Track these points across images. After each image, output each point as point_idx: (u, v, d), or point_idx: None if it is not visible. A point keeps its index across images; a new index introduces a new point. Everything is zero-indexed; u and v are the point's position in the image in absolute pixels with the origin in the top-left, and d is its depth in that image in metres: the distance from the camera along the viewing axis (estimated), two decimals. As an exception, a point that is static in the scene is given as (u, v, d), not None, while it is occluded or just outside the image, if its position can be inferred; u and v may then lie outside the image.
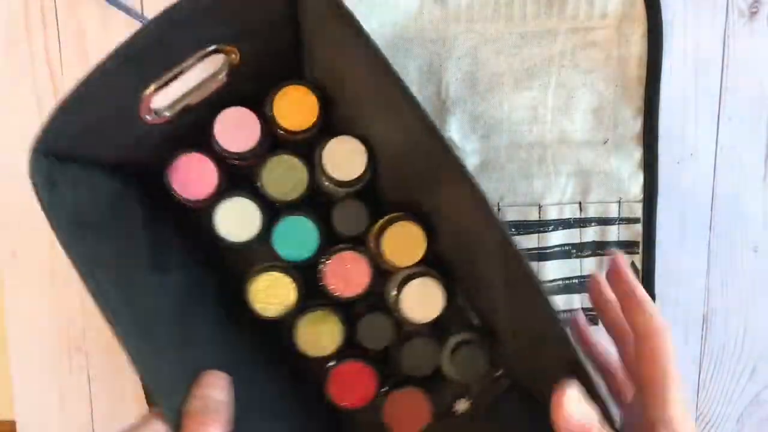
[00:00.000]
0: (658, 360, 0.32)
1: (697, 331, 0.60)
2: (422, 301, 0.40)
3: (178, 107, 0.39)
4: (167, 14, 0.32)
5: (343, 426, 0.45)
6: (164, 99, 0.39)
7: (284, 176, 0.42)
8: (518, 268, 0.31)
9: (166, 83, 0.37)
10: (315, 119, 0.41)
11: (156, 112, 0.38)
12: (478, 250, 0.36)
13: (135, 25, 0.55)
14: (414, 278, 0.40)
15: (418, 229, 0.41)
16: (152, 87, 0.36)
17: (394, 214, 0.41)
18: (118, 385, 0.60)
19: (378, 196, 0.43)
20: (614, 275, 0.37)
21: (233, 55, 0.38)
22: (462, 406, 0.45)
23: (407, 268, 0.41)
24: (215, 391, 0.31)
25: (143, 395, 0.58)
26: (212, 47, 0.36)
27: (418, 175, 0.37)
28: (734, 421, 0.60)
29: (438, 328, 0.43)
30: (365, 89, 0.36)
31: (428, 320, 0.41)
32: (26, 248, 0.57)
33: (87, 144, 0.34)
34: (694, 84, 0.56)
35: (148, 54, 0.33)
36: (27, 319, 0.58)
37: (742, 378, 0.59)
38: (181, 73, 0.37)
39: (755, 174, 0.56)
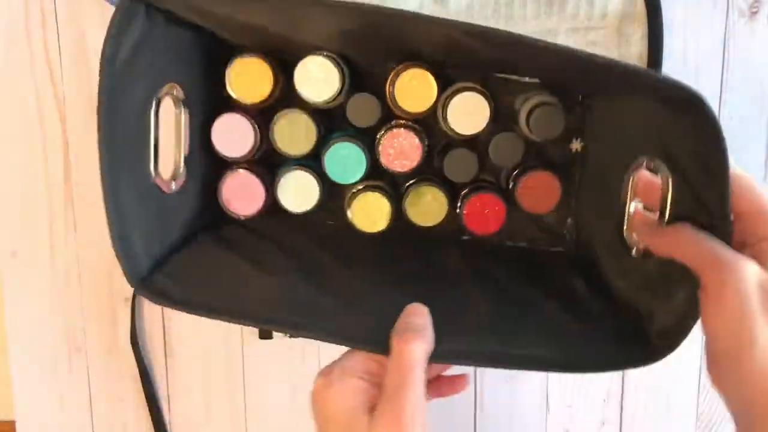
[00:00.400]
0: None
1: (698, 331, 0.59)
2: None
3: (181, 168, 0.42)
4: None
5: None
6: (167, 166, 0.42)
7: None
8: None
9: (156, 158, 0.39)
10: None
11: (173, 178, 0.42)
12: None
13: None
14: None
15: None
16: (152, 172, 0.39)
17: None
18: (118, 386, 0.60)
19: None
20: None
21: (175, 92, 0.39)
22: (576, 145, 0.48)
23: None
24: (415, 318, 0.36)
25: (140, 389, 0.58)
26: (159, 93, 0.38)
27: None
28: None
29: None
30: None
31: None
32: (26, 248, 0.57)
33: None
34: (695, 84, 0.56)
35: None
36: (27, 320, 0.58)
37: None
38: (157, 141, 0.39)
39: (756, 174, 0.56)
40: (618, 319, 0.40)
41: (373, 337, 0.35)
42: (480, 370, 0.59)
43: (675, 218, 0.35)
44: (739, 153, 0.56)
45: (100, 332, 0.58)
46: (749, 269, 0.30)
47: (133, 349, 0.57)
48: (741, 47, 0.54)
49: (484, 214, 0.46)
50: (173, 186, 0.41)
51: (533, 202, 0.46)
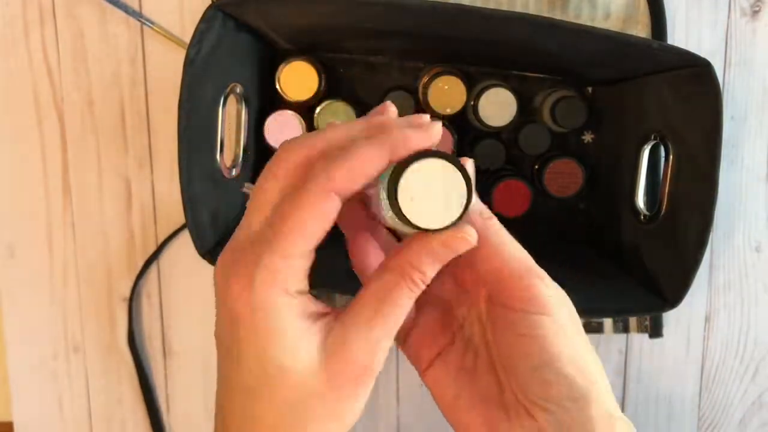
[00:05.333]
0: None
1: (699, 331, 0.60)
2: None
3: (240, 157, 0.50)
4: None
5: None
6: (228, 156, 0.50)
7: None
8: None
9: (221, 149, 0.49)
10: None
11: (233, 166, 0.50)
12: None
13: (134, 24, 0.55)
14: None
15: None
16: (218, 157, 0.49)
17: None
18: (117, 386, 0.60)
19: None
20: None
21: (237, 90, 0.49)
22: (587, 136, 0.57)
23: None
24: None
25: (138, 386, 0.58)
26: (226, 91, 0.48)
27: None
28: (736, 422, 0.61)
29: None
30: None
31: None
32: (24, 247, 0.57)
33: None
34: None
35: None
36: (25, 320, 0.59)
37: (744, 379, 0.60)
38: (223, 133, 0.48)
39: (757, 173, 0.56)
40: (631, 276, 0.50)
41: None
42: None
43: (674, 187, 0.44)
44: (740, 152, 0.56)
45: (99, 332, 0.59)
46: None
47: (130, 349, 0.58)
48: (743, 46, 0.55)
49: (512, 198, 0.53)
50: (233, 173, 0.49)
51: (559, 186, 0.54)
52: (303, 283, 0.27)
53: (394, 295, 0.27)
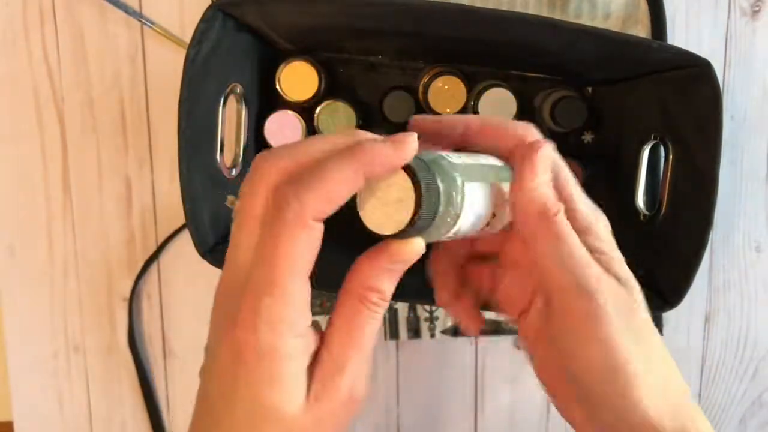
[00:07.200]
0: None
1: (699, 331, 0.60)
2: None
3: (240, 157, 0.50)
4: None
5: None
6: (228, 155, 0.50)
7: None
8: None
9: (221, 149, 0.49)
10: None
11: (233, 166, 0.50)
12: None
13: (134, 24, 0.55)
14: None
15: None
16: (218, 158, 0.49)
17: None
18: (117, 386, 0.60)
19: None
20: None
21: (237, 89, 0.49)
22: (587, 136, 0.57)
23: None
24: None
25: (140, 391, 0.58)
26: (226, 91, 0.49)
27: None
28: (737, 422, 0.61)
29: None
30: None
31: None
32: (24, 246, 0.58)
33: None
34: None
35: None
36: (25, 320, 0.59)
37: (744, 379, 0.60)
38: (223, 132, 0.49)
39: (757, 173, 0.56)
40: None
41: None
42: (480, 372, 0.59)
43: (673, 187, 0.45)
44: (741, 152, 0.56)
45: (99, 332, 0.59)
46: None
47: (130, 349, 0.58)
48: (743, 46, 0.55)
49: None
50: (233, 172, 0.50)
51: None
52: (307, 316, 0.28)
53: (359, 322, 0.28)
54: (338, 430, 0.29)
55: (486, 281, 0.35)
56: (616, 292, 0.30)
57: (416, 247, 0.28)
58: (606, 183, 0.56)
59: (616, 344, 0.29)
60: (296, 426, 0.27)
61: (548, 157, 0.31)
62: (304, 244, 0.26)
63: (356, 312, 0.28)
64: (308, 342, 0.28)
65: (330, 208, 0.26)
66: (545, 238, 0.30)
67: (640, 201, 0.50)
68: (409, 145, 0.27)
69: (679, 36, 0.58)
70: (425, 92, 0.52)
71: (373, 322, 0.28)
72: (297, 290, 0.26)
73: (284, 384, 0.27)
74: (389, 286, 0.28)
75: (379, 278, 0.28)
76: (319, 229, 0.26)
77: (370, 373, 0.29)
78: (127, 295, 0.61)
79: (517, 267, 0.33)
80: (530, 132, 0.32)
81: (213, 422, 0.29)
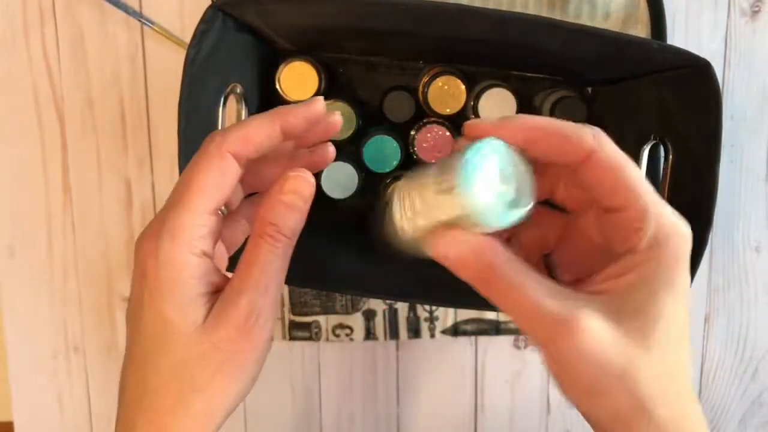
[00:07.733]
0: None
1: (698, 331, 0.60)
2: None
3: None
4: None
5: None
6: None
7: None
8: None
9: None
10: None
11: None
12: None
13: (134, 24, 0.56)
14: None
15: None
16: None
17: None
18: (117, 386, 0.60)
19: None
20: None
21: (237, 89, 0.49)
22: None
23: None
24: None
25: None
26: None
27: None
28: (737, 422, 0.61)
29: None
30: None
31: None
32: (24, 247, 0.58)
33: None
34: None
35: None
36: (25, 319, 0.59)
37: (744, 379, 0.60)
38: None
39: (757, 173, 0.57)
40: None
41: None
42: (480, 372, 0.59)
43: (673, 187, 0.45)
44: (741, 152, 0.57)
45: (99, 332, 0.59)
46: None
47: (131, 349, 0.58)
48: (743, 46, 0.55)
49: None
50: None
51: None
52: (207, 245, 0.30)
53: (256, 254, 0.30)
54: (242, 366, 0.29)
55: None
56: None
57: (306, 177, 0.30)
58: None
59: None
60: (196, 348, 0.28)
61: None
62: (217, 171, 0.29)
63: (255, 245, 0.30)
64: (208, 267, 0.30)
65: (247, 149, 0.30)
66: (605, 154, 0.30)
67: None
68: (316, 101, 0.32)
69: (679, 36, 0.58)
70: (425, 92, 0.52)
71: (271, 257, 0.30)
72: (203, 209, 0.29)
73: (182, 298, 0.29)
74: (288, 221, 0.30)
75: (274, 211, 0.30)
76: (234, 165, 0.30)
77: (276, 316, 0.29)
78: (127, 294, 0.61)
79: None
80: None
81: (126, 357, 0.30)
